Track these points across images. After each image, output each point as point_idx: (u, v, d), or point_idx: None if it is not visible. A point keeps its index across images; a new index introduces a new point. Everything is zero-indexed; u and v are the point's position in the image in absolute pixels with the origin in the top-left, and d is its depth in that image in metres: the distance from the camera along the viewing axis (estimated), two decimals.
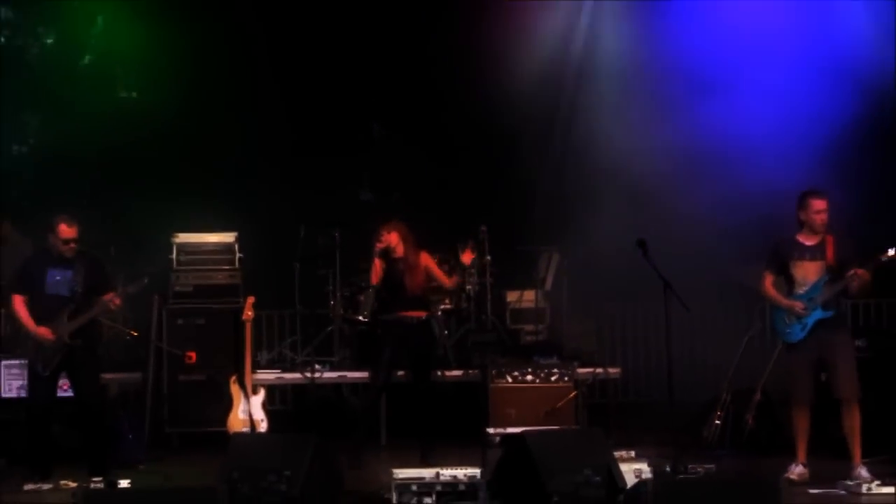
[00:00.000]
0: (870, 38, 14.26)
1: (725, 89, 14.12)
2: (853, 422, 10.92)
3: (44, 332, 11.19)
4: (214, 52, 15.59)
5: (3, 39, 16.68)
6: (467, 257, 12.78)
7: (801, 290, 11.03)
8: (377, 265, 12.25)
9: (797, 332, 10.98)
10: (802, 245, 11.07)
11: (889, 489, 10.26)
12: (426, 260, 12.35)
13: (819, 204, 10.98)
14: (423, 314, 12.28)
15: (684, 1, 14.63)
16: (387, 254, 12.23)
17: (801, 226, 11.08)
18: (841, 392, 10.90)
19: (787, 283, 11.14)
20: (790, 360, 11.13)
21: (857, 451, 10.90)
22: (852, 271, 10.76)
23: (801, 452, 11.04)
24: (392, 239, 12.22)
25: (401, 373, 12.40)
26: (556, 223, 14.67)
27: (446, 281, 12.73)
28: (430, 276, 12.40)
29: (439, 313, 14.11)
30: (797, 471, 10.96)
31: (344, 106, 15.91)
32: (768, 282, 11.21)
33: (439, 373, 13.52)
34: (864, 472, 10.75)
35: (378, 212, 12.85)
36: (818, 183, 11.47)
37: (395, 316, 12.21)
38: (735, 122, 13.88)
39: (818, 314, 10.93)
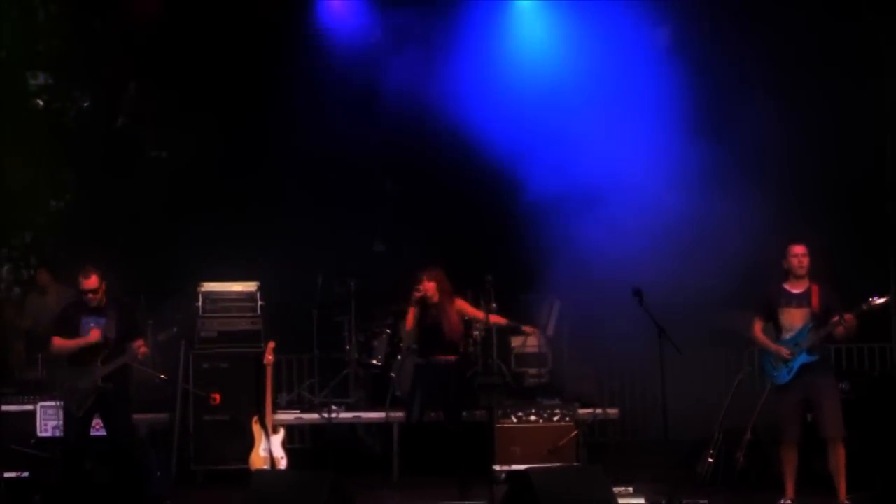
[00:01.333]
0: None
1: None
2: (838, 460, 10.96)
3: (95, 334, 11.21)
4: (237, 114, 15.62)
5: (42, 103, 16.74)
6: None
7: (787, 336, 11.11)
8: (412, 313, 12.25)
9: (784, 375, 11.04)
10: (789, 293, 11.17)
11: None
12: (461, 304, 12.36)
13: (798, 249, 11.16)
14: (455, 357, 12.27)
15: None
16: (423, 301, 12.22)
17: (787, 274, 11.18)
18: (826, 432, 10.94)
19: (775, 328, 11.22)
20: (778, 400, 11.18)
21: (842, 488, 10.93)
22: (837, 317, 10.83)
23: (790, 489, 11.09)
24: (429, 288, 12.22)
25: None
26: (557, 273, 14.62)
27: (481, 315, 12.75)
28: (465, 319, 12.41)
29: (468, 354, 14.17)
30: None
31: (358, 164, 15.92)
32: (758, 328, 11.30)
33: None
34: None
35: (389, 262, 12.80)
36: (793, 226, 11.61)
37: (430, 359, 12.21)
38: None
39: (803, 358, 10.99)
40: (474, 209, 15.98)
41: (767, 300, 11.31)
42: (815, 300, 11.11)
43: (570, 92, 14.80)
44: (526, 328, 13.55)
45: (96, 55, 16.19)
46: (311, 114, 15.63)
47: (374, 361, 14.29)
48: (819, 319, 11.01)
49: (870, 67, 14.86)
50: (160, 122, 16.39)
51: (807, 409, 11.09)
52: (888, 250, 14.79)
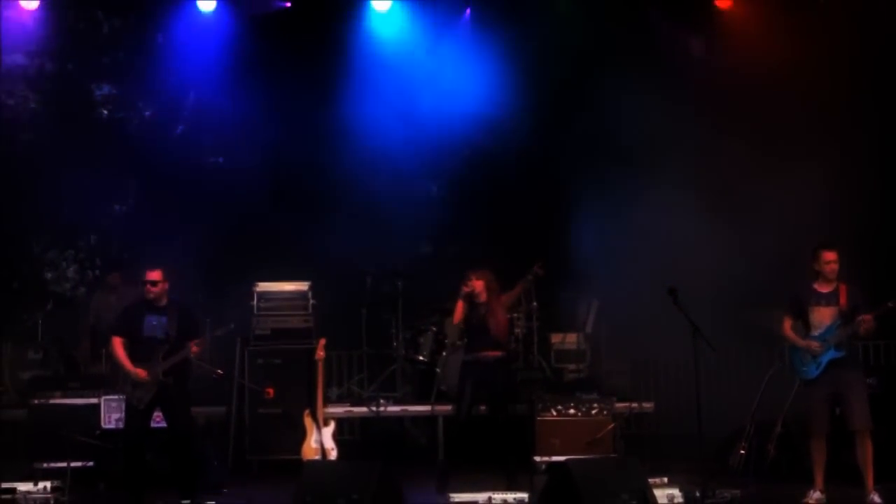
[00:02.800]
0: None
1: None
2: (866, 451, 10.88)
3: (140, 372, 11.23)
4: (291, 121, 15.64)
5: (106, 112, 16.83)
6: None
7: (816, 333, 11.06)
8: (460, 307, 12.19)
9: (813, 370, 10.98)
10: (818, 292, 11.12)
11: None
12: (505, 299, 12.32)
13: (829, 255, 11.06)
14: (502, 353, 12.23)
15: None
16: (470, 298, 12.18)
17: (816, 275, 11.10)
18: (854, 424, 10.87)
19: (804, 326, 11.15)
20: (807, 395, 11.11)
21: (870, 479, 10.85)
22: (860, 317, 10.79)
23: (819, 480, 11.01)
24: (477, 286, 12.16)
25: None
26: (596, 273, 14.57)
27: (517, 291, 12.73)
28: (514, 309, 12.37)
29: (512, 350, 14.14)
30: (815, 497, 10.94)
31: (404, 168, 15.91)
32: (787, 325, 11.25)
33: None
34: (876, 497, 10.74)
35: (435, 263, 12.78)
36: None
37: (476, 355, 12.16)
38: None
39: (831, 354, 10.94)
40: (516, 211, 15.95)
41: (797, 299, 11.26)
42: (843, 299, 11.05)
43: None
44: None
45: (158, 66, 16.27)
46: (359, 119, 15.64)
47: (421, 357, 14.28)
48: (846, 317, 10.96)
49: None
50: (217, 129, 16.45)
51: (835, 402, 11.02)
52: None
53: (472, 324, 12.19)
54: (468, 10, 15.60)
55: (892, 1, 14.27)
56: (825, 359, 10.95)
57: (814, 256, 11.14)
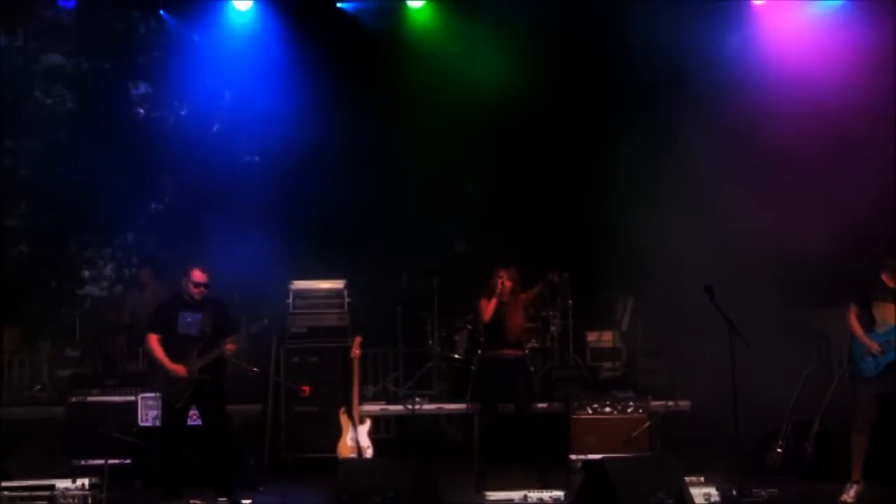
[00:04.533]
0: None
1: None
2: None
3: (178, 369, 11.27)
4: (325, 122, 15.67)
5: (142, 111, 16.93)
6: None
7: (880, 330, 10.80)
8: (492, 305, 12.14)
9: (871, 369, 10.77)
10: (886, 286, 10.79)
11: None
12: (522, 301, 12.30)
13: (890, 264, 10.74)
14: (520, 352, 12.22)
15: None
16: (502, 296, 12.15)
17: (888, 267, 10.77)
18: None
19: (869, 320, 10.86)
20: (860, 389, 10.90)
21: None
22: None
23: (857, 471, 10.89)
24: (508, 286, 12.14)
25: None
26: (631, 271, 14.57)
27: (532, 294, 12.61)
28: (526, 310, 12.35)
29: (528, 351, 14.11)
30: (852, 491, 10.82)
31: (439, 168, 15.92)
32: (853, 314, 10.94)
33: None
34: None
35: (471, 261, 12.78)
36: None
37: (494, 353, 12.16)
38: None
39: (892, 356, 10.67)
40: (551, 209, 15.95)
41: (864, 288, 10.95)
42: None
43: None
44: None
45: (193, 65, 16.33)
46: (395, 121, 15.68)
47: (456, 355, 14.28)
48: None
49: None
50: (253, 128, 16.51)
51: (886, 402, 10.80)
52: None
53: (492, 321, 12.19)
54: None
55: None
56: (885, 360, 10.70)
57: (889, 250, 10.80)
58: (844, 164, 13.87)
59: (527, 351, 13.67)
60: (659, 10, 14.49)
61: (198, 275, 11.43)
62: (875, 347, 10.68)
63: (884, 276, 10.80)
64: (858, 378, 10.92)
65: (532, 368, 13.91)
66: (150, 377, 12.31)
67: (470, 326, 14.35)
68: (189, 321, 11.48)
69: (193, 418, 11.69)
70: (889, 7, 14.22)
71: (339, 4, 15.12)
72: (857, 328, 10.89)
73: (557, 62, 15.35)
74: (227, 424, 12.10)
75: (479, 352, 12.52)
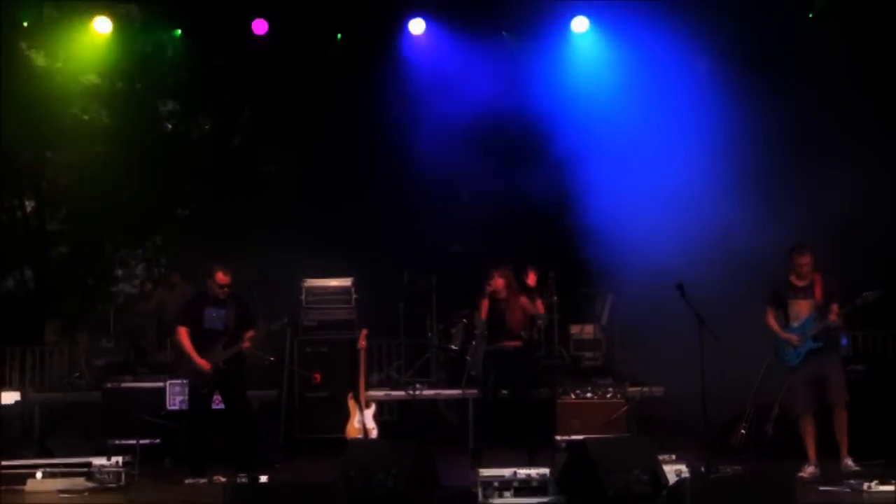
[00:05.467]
0: None
1: None
2: (842, 423, 10.91)
3: (203, 364, 11.32)
4: (336, 134, 15.68)
5: (170, 126, 16.94)
6: (532, 279, 13.02)
7: (795, 324, 11.06)
8: (485, 305, 12.23)
9: (794, 359, 11.02)
10: (796, 286, 11.12)
11: (888, 487, 10.00)
12: (524, 302, 12.34)
13: (800, 259, 11.06)
14: (520, 343, 12.25)
15: None
16: (493, 295, 12.21)
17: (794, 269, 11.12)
18: (833, 399, 10.91)
19: (785, 317, 11.15)
20: (791, 379, 11.13)
21: (844, 446, 10.91)
22: (832, 312, 10.83)
23: (812, 454, 10.98)
24: (499, 284, 12.20)
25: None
26: (610, 270, 14.55)
27: (540, 309, 12.76)
28: (526, 314, 12.38)
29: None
30: (809, 470, 10.88)
31: (437, 176, 15.90)
32: (770, 316, 11.21)
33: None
34: (849, 461, 10.81)
35: (464, 261, 12.80)
36: None
37: (496, 346, 12.20)
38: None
39: (810, 345, 10.96)
40: (539, 215, 15.94)
41: (777, 292, 11.23)
42: (818, 291, 11.02)
43: (622, 113, 14.69)
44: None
45: (216, 85, 16.35)
46: (394, 132, 15.67)
47: (452, 346, 14.29)
48: (822, 310, 10.93)
49: None
50: (269, 141, 16.51)
51: (815, 384, 10.99)
52: None
53: (493, 317, 12.23)
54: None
55: None
56: (804, 349, 10.96)
57: (788, 258, 11.13)
58: (802, 174, 13.91)
59: (535, 338, 13.85)
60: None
61: (221, 276, 11.47)
62: (794, 339, 10.94)
63: (792, 277, 11.11)
64: (787, 370, 11.13)
65: (535, 357, 14.07)
66: (178, 366, 12.35)
67: (465, 320, 14.36)
68: (214, 316, 11.52)
69: (216, 402, 11.72)
70: None
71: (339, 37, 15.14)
72: (775, 326, 11.16)
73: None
74: (247, 409, 12.11)
75: (473, 343, 12.60)
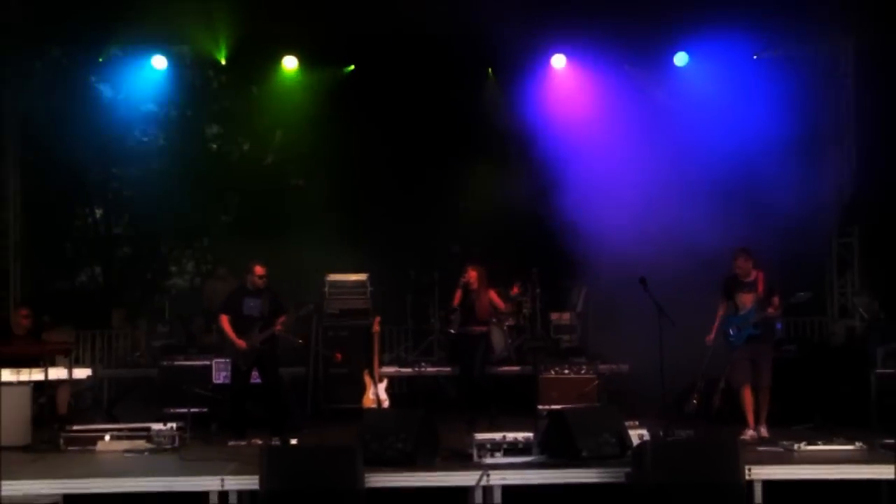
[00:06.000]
0: None
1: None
2: (765, 401, 11.10)
3: (241, 343, 11.42)
4: (351, 155, 15.65)
5: (215, 146, 16.96)
6: (515, 291, 13.19)
7: (741, 313, 11.15)
8: (458, 293, 12.31)
9: (737, 341, 11.14)
10: (741, 282, 11.20)
11: (813, 447, 10.16)
12: (492, 295, 12.39)
13: (738, 261, 11.20)
14: (485, 329, 12.30)
15: None
16: (467, 286, 12.27)
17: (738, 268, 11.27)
18: (760, 382, 11.07)
19: (734, 307, 11.25)
20: (733, 356, 11.22)
21: (763, 418, 11.09)
22: (773, 305, 11.00)
23: (751, 420, 11.06)
24: (472, 276, 12.25)
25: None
26: (585, 265, 14.53)
27: (503, 307, 12.82)
28: (493, 305, 12.43)
29: (506, 328, 14.17)
30: (749, 434, 10.96)
31: (438, 187, 15.93)
32: (722, 306, 11.33)
33: (502, 368, 13.70)
34: (763, 430, 10.99)
35: (463, 260, 12.81)
36: None
37: (465, 330, 12.30)
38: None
39: (750, 331, 11.07)
40: (525, 220, 15.93)
41: (727, 286, 11.34)
42: (760, 286, 11.12)
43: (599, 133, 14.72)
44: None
45: (253, 112, 16.37)
46: (402, 150, 15.70)
47: (451, 330, 14.16)
48: (763, 302, 11.04)
49: None
50: (299, 159, 16.52)
51: (752, 363, 11.14)
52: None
53: (465, 305, 12.33)
54: None
55: None
56: (745, 333, 11.08)
57: (732, 259, 11.27)
58: (754, 182, 13.94)
59: (505, 327, 13.89)
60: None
61: (258, 269, 11.63)
62: (731, 330, 11.15)
63: (738, 274, 11.21)
64: (730, 348, 11.22)
65: (510, 341, 14.09)
66: (222, 347, 12.38)
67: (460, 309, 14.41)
68: (252, 305, 11.63)
69: (254, 378, 11.78)
70: None
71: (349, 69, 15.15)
72: (721, 314, 11.30)
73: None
74: (280, 383, 12.17)
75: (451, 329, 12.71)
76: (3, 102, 14.46)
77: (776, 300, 11.04)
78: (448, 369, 13.95)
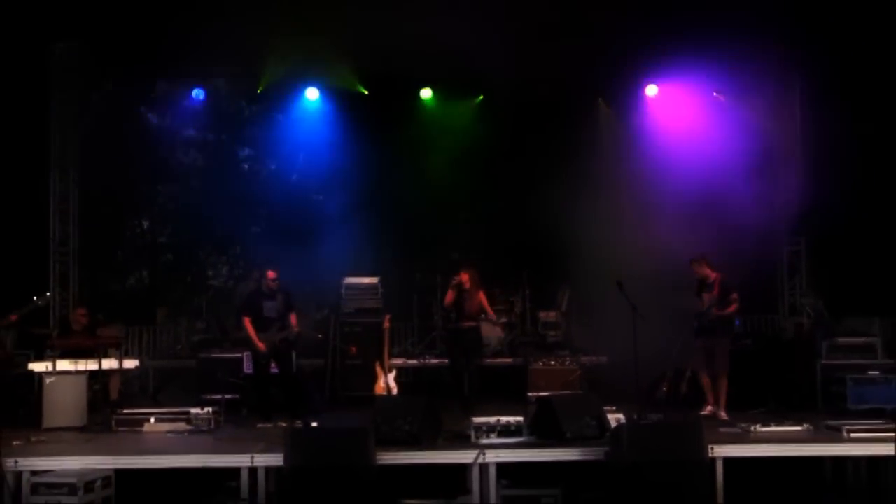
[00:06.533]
0: None
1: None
2: (722, 385, 11.23)
3: (261, 346, 11.49)
4: (366, 174, 15.55)
5: (246, 167, 16.95)
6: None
7: (703, 310, 11.34)
8: (450, 293, 12.25)
9: (698, 333, 11.40)
10: (704, 284, 11.45)
11: (767, 428, 10.17)
12: (482, 296, 12.32)
13: (694, 268, 11.50)
14: (475, 325, 12.25)
15: None
16: (459, 286, 12.20)
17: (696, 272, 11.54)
18: (717, 369, 11.25)
19: (701, 305, 11.44)
20: (696, 347, 11.43)
21: (722, 402, 11.21)
22: (728, 305, 11.23)
23: (710, 399, 11.33)
24: (464, 278, 12.19)
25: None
26: (569, 270, 14.50)
27: (490, 313, 12.70)
28: (482, 307, 12.36)
29: (500, 325, 14.13)
30: (708, 409, 11.24)
31: (441, 202, 15.86)
32: (697, 304, 11.48)
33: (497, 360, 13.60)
34: (723, 413, 11.09)
35: (461, 266, 12.73)
36: None
37: (457, 325, 12.25)
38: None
39: (707, 325, 11.31)
40: (516, 231, 15.89)
41: (697, 287, 11.53)
42: (716, 289, 11.27)
43: None
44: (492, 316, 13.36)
45: (279, 137, 16.36)
46: (414, 175, 15.65)
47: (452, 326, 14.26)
48: (719, 301, 11.22)
49: None
50: (320, 177, 16.49)
51: (710, 352, 11.30)
52: None
53: (458, 303, 12.24)
54: None
55: None
56: (704, 327, 11.32)
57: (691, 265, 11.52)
58: (716, 198, 13.90)
59: (499, 324, 13.84)
60: None
61: (271, 274, 11.65)
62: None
63: (702, 278, 11.45)
64: (695, 338, 11.39)
65: (501, 336, 14.03)
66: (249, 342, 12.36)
67: None
68: (270, 306, 11.62)
69: (274, 368, 11.75)
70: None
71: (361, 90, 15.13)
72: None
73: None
74: (300, 372, 12.15)
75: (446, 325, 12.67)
76: (65, 129, 14.53)
77: (735, 297, 11.15)
78: (448, 361, 13.88)
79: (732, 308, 11.25)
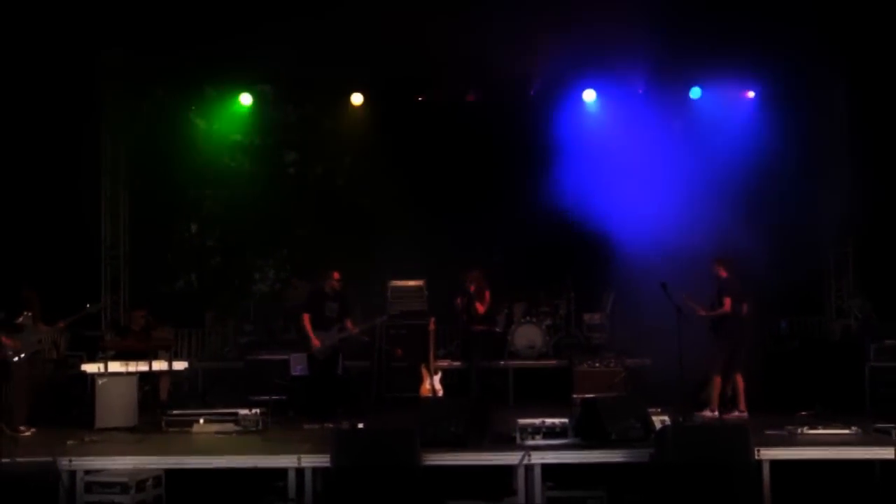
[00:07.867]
0: None
1: None
2: (740, 385, 11.41)
3: (316, 343, 11.66)
4: (402, 183, 15.58)
5: (292, 171, 17.03)
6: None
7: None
8: (460, 299, 12.67)
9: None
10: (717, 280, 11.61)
11: (814, 431, 10.12)
12: (487, 295, 12.44)
13: (715, 268, 11.66)
14: (484, 328, 12.37)
15: None
16: (468, 292, 12.33)
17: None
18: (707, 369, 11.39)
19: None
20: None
21: (741, 401, 11.36)
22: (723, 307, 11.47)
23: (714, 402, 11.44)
24: (474, 281, 12.33)
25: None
26: (613, 272, 14.43)
27: (481, 310, 12.91)
28: (490, 306, 12.51)
29: (545, 328, 14.10)
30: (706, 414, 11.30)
31: (483, 204, 15.78)
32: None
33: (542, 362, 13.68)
34: (738, 412, 11.20)
35: (506, 268, 12.81)
36: None
37: (469, 328, 12.48)
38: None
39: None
40: (563, 234, 15.76)
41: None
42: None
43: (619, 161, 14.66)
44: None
45: (326, 140, 16.47)
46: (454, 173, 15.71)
47: (497, 329, 14.28)
48: (713, 303, 11.53)
49: None
50: (365, 181, 16.54)
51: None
52: None
53: (469, 307, 12.54)
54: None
55: None
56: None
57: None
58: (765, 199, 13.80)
59: (543, 326, 13.84)
60: None
61: (336, 275, 11.91)
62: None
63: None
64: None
65: (548, 338, 13.99)
66: (299, 343, 12.49)
67: (507, 310, 14.44)
68: (331, 307, 11.87)
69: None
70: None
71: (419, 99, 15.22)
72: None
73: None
74: (348, 374, 12.26)
75: (512, 326, 12.62)
76: (115, 135, 14.84)
77: (726, 301, 11.27)
78: (494, 363, 13.89)
79: (718, 311, 11.21)
